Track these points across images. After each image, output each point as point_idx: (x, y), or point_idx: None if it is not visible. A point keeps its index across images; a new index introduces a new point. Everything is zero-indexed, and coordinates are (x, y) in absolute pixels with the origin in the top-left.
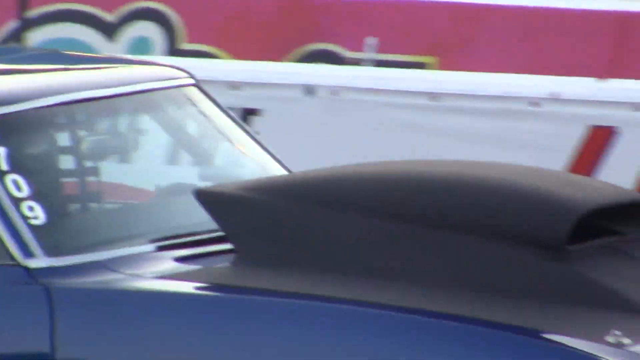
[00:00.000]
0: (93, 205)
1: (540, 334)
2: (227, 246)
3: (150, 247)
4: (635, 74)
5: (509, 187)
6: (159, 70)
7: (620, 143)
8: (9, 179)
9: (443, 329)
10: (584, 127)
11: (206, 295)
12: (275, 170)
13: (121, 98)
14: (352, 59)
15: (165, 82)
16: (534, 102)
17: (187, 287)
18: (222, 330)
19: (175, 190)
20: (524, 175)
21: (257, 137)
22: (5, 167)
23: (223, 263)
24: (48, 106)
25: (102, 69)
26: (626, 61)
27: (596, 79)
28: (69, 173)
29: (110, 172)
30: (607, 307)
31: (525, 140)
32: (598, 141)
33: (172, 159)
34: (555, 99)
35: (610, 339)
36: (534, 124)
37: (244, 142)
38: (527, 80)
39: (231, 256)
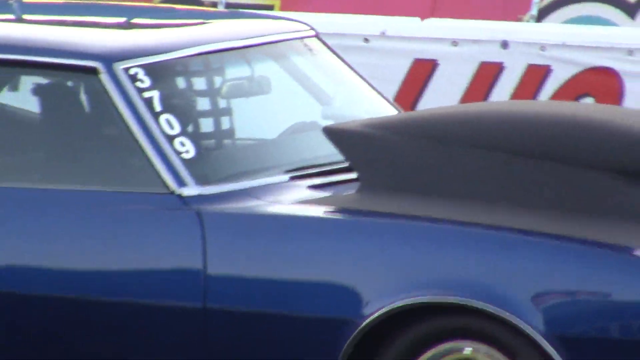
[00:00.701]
0: (234, 141)
1: (632, 251)
2: (352, 176)
3: (285, 177)
4: (453, 13)
5: (598, 124)
6: (285, 23)
7: (440, 74)
8: (163, 118)
9: (546, 245)
10: (409, 61)
11: (336, 218)
12: (388, 111)
13: (253, 48)
14: (209, 2)
15: (290, 34)
16: (366, 38)
17: (320, 211)
18: (350, 247)
19: (302, 127)
20: (607, 113)
21: (370, 81)
22: (159, 108)
23: (349, 190)
24: (191, 55)
25: (234, 23)
26: (446, 3)
27: (420, 18)
28: (210, 113)
29: (246, 112)
30: None
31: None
32: (421, 73)
33: (298, 101)
34: (383, 36)
35: None
36: (366, 57)
37: (359, 86)
38: (360, 19)
39: (356, 184)
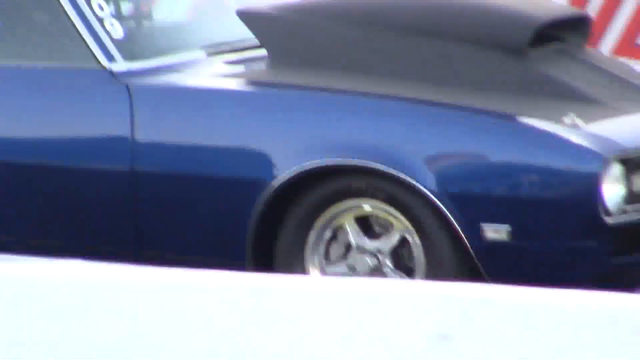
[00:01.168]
0: (158, 23)
1: (513, 117)
2: (262, 53)
3: (203, 53)
4: None
5: (485, 6)
6: None
7: None
8: (95, 2)
9: (437, 112)
10: None
11: (249, 90)
12: None
13: None
14: None
15: None
16: None
17: (235, 83)
18: (262, 115)
19: (216, 9)
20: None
21: None
22: None
23: (261, 66)
24: None
25: None
26: None
27: None
28: None
29: None
30: (561, 97)
31: None
32: None
33: None
34: None
35: (567, 120)
36: None
37: None
38: None
39: (267, 61)
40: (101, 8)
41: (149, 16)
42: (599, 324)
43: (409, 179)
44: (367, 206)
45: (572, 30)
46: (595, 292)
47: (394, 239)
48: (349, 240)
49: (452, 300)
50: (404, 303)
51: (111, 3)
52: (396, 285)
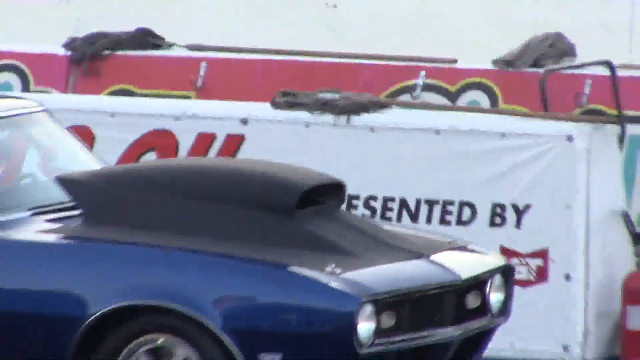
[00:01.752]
0: None
1: (283, 266)
2: (78, 212)
3: (28, 213)
4: None
5: (256, 173)
6: (19, 101)
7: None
8: None
9: (219, 262)
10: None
11: (67, 243)
12: (95, 165)
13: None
14: None
15: (24, 109)
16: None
17: (54, 237)
18: (78, 263)
19: (37, 177)
20: (263, 165)
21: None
22: None
23: (77, 223)
24: None
25: None
26: None
27: None
28: None
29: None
30: (323, 250)
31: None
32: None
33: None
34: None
35: (328, 268)
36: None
37: (75, 146)
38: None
39: (82, 219)
40: None
41: None
42: None
43: (198, 315)
44: (161, 340)
45: (330, 194)
46: None
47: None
48: None
49: None
50: None
51: None
52: None
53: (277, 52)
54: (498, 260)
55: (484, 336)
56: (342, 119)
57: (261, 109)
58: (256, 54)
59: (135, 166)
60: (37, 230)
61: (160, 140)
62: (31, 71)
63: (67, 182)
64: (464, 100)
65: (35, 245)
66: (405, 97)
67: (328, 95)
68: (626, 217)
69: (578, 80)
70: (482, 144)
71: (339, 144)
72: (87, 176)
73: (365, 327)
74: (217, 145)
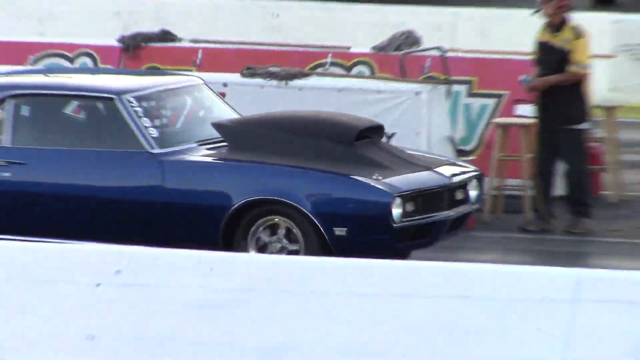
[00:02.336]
0: (175, 127)
1: (343, 173)
2: (225, 145)
3: (195, 144)
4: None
5: (333, 119)
6: (188, 77)
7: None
8: (144, 119)
9: (306, 173)
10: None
11: (219, 161)
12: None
13: (183, 88)
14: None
15: (191, 82)
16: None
17: (211, 156)
18: (227, 173)
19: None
20: (337, 114)
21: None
22: (141, 114)
23: (224, 151)
24: (156, 91)
25: (160, 76)
26: None
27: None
28: (165, 116)
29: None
30: (370, 166)
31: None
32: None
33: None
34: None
35: (374, 177)
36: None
37: (225, 106)
38: None
39: (227, 148)
40: (145, 123)
41: (174, 123)
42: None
43: (297, 204)
44: (276, 218)
45: (374, 132)
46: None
47: (282, 232)
48: (263, 238)
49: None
50: None
51: (153, 120)
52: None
53: (243, 43)
54: (474, 170)
55: (466, 217)
56: (282, 83)
57: (234, 77)
58: (231, 45)
59: (258, 115)
60: (201, 154)
61: None
62: (98, 56)
63: (218, 126)
64: (355, 71)
65: (195, 163)
66: (319, 70)
67: (273, 69)
68: (452, 140)
69: (422, 59)
70: (366, 97)
71: (280, 98)
72: (229, 122)
73: (396, 211)
74: None
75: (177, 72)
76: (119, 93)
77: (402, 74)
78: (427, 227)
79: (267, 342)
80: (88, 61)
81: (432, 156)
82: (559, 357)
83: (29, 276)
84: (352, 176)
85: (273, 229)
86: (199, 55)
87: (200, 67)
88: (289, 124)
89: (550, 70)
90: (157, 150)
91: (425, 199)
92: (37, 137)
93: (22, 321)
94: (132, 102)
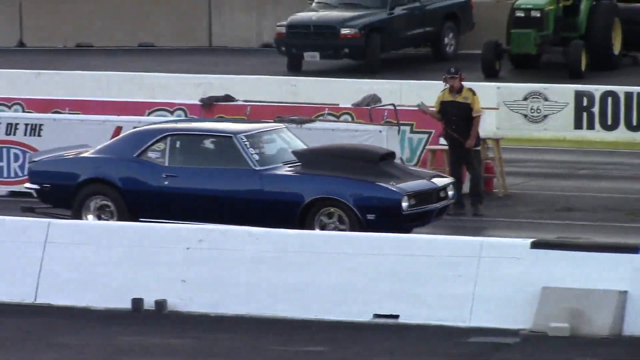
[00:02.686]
0: (269, 155)
1: (372, 181)
2: (299, 164)
3: (282, 164)
4: None
5: (365, 147)
6: (274, 124)
7: None
8: (252, 153)
9: (349, 181)
10: None
11: (296, 174)
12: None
13: (276, 130)
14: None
15: (278, 127)
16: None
17: (290, 172)
18: (301, 181)
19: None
20: (367, 146)
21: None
22: (251, 149)
23: (299, 167)
24: (258, 132)
25: (258, 123)
26: None
27: None
28: (270, 148)
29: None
30: (388, 177)
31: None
32: None
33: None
34: None
35: (391, 183)
36: None
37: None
38: None
39: (300, 166)
40: (254, 155)
41: (270, 152)
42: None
43: (344, 200)
44: (331, 209)
45: (389, 156)
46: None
47: (335, 217)
48: (324, 221)
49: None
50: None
51: (258, 151)
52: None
53: (274, 102)
54: (450, 179)
55: (446, 207)
56: (299, 125)
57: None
58: (267, 103)
59: (319, 146)
60: (285, 170)
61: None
62: (188, 110)
63: (295, 152)
64: (342, 118)
65: (282, 175)
66: (321, 118)
67: (293, 117)
68: (402, 160)
69: (382, 111)
70: (349, 134)
71: (298, 135)
72: (301, 150)
73: (404, 204)
74: None
75: (266, 121)
76: (236, 133)
77: (370, 120)
78: (423, 214)
79: (292, 283)
80: (181, 113)
81: (426, 171)
82: (471, 291)
83: (149, 243)
84: (377, 183)
85: (330, 215)
86: (248, 109)
87: (249, 117)
88: (338, 150)
89: (458, 118)
90: (258, 168)
91: (422, 196)
92: (184, 160)
93: (145, 271)
94: (243, 139)
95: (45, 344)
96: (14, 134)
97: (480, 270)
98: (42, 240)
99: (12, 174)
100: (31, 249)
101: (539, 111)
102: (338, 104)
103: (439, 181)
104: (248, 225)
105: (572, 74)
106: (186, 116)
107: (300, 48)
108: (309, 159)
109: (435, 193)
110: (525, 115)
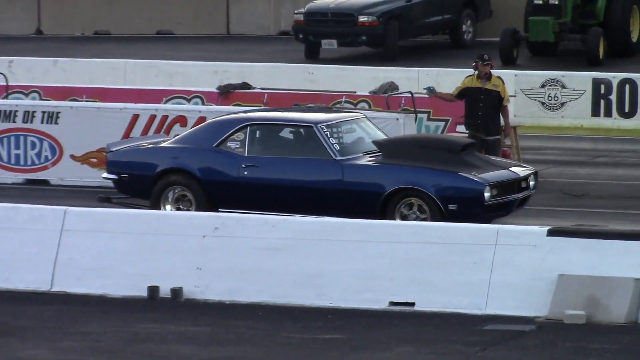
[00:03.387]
0: (347, 145)
1: (454, 171)
2: (380, 154)
3: (362, 154)
4: None
5: (449, 138)
6: (356, 113)
7: None
8: (333, 142)
9: (432, 171)
10: None
11: (386, 164)
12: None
13: (357, 119)
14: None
15: (360, 115)
16: None
17: (370, 162)
18: (382, 171)
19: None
20: (448, 136)
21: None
22: (332, 139)
23: (379, 158)
24: (338, 122)
25: (338, 112)
26: None
27: None
28: (347, 138)
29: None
30: (470, 167)
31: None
32: None
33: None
34: None
35: (473, 173)
36: None
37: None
38: None
39: (381, 156)
40: (335, 145)
41: (352, 144)
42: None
43: (425, 190)
44: (412, 200)
45: (470, 146)
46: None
47: (416, 208)
48: (404, 212)
49: None
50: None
51: (339, 141)
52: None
53: (292, 89)
54: (532, 169)
55: (528, 197)
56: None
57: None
58: (284, 90)
59: (400, 136)
60: (366, 160)
61: None
62: (205, 98)
63: (376, 142)
64: (359, 106)
65: (363, 165)
66: (338, 106)
67: (310, 105)
68: None
69: (399, 98)
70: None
71: None
72: (382, 140)
73: (487, 194)
74: None
75: (347, 110)
76: (316, 123)
77: (387, 107)
78: (505, 204)
79: (308, 271)
80: (198, 101)
81: (507, 161)
82: (487, 278)
83: (165, 231)
84: (459, 173)
85: (410, 205)
86: (265, 97)
87: (266, 104)
88: (419, 140)
89: (485, 104)
90: (339, 158)
91: (503, 187)
92: (263, 149)
93: (161, 259)
94: (324, 129)
95: (63, 332)
96: (31, 122)
97: (497, 258)
98: (59, 228)
99: (30, 162)
100: (47, 237)
101: (556, 99)
102: (355, 92)
103: (520, 171)
104: (329, 216)
105: (590, 62)
106: (203, 104)
107: (318, 35)
108: (389, 149)
109: (517, 183)
110: (543, 103)
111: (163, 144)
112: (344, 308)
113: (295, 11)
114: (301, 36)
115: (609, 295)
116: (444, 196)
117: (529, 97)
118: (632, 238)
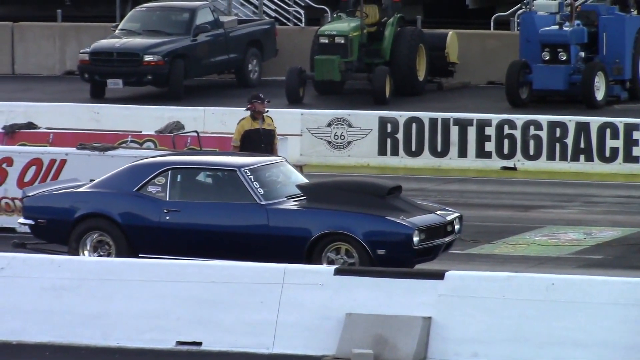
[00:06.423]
0: (270, 188)
1: (381, 216)
2: (303, 198)
3: (285, 198)
4: None
5: (373, 182)
6: (275, 157)
7: None
8: (256, 186)
9: (358, 215)
10: None
11: (295, 208)
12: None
13: (276, 164)
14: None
15: (277, 160)
16: None
17: (294, 207)
18: (305, 216)
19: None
20: (372, 179)
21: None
22: (254, 182)
23: (303, 202)
24: (262, 165)
25: (260, 157)
26: None
27: None
28: (272, 183)
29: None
30: (397, 211)
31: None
32: None
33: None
34: None
35: (401, 217)
36: None
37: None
38: None
39: (305, 200)
40: (258, 188)
41: (272, 185)
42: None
43: (354, 234)
44: (336, 245)
45: (396, 189)
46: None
47: (343, 252)
48: (331, 256)
49: None
50: None
51: (263, 185)
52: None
53: (77, 129)
54: (456, 214)
55: (453, 241)
56: (102, 153)
57: (72, 150)
58: (69, 130)
59: (324, 180)
60: (291, 205)
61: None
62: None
63: (300, 186)
64: (145, 146)
65: (289, 210)
66: (124, 145)
67: (96, 144)
68: None
69: (185, 137)
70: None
71: (101, 163)
72: (306, 184)
73: (415, 239)
74: None
75: (269, 155)
76: (240, 167)
77: (174, 147)
78: (432, 248)
79: (93, 311)
80: None
81: (432, 204)
82: (274, 318)
83: None
84: (387, 217)
85: (337, 250)
86: (51, 136)
87: (52, 144)
88: (344, 184)
89: (265, 145)
90: (263, 202)
91: (431, 231)
92: (185, 194)
93: None
94: (247, 172)
95: None
96: None
97: (284, 297)
98: None
99: None
100: None
101: (342, 137)
102: (141, 131)
103: (446, 215)
104: (254, 261)
105: (376, 100)
106: None
107: (103, 75)
108: (314, 193)
109: (443, 227)
110: (329, 142)
111: (82, 189)
112: (130, 348)
113: (81, 50)
114: (87, 76)
115: (396, 334)
116: (373, 241)
117: (315, 136)
118: (418, 277)
